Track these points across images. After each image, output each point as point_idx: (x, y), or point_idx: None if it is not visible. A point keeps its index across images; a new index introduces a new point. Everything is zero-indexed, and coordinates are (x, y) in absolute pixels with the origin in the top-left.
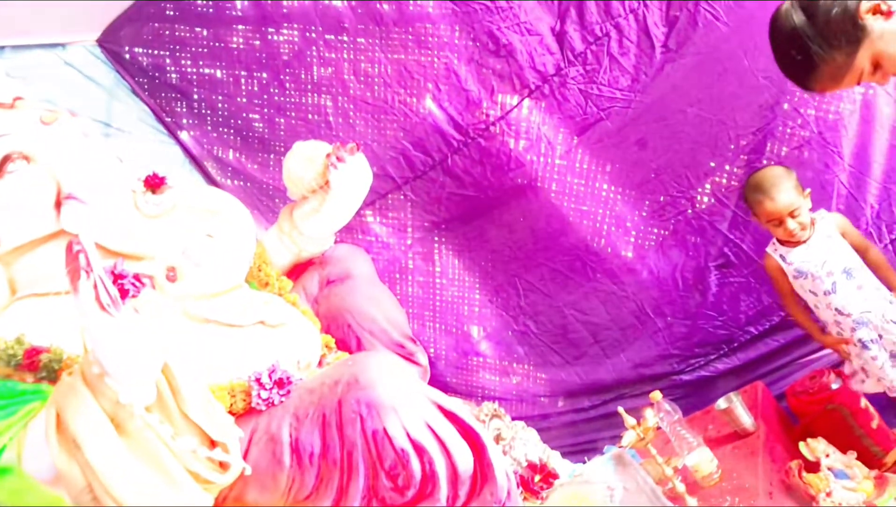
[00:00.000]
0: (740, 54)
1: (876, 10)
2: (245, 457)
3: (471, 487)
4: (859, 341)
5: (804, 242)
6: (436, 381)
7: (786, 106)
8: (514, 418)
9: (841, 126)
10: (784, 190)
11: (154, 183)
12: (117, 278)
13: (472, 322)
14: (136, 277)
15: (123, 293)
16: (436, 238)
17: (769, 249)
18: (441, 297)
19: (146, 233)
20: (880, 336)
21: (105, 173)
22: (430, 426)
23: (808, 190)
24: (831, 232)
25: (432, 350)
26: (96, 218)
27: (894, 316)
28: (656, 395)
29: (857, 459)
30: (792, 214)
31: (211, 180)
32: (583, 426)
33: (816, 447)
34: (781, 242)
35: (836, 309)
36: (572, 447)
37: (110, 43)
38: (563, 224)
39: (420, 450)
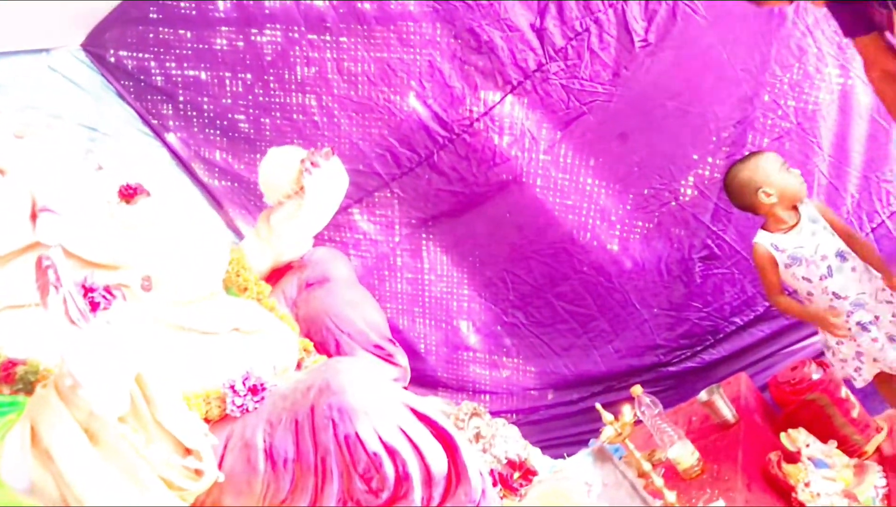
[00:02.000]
0: (719, 48)
1: None
2: (220, 463)
3: (445, 488)
4: (857, 323)
5: (793, 227)
6: (426, 376)
7: (766, 97)
8: (504, 412)
9: (820, 116)
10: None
11: (128, 194)
12: (87, 291)
13: (462, 317)
14: (108, 289)
15: (94, 306)
16: (423, 235)
17: (759, 239)
18: (430, 293)
19: (121, 243)
20: (877, 317)
21: (80, 184)
22: (402, 429)
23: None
24: (815, 216)
25: (422, 346)
26: (71, 229)
27: (888, 296)
28: (637, 389)
29: (838, 448)
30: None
31: (198, 181)
32: (572, 419)
33: (797, 438)
34: (772, 231)
35: (832, 293)
36: (561, 439)
37: (95, 47)
38: (549, 218)
39: (393, 453)
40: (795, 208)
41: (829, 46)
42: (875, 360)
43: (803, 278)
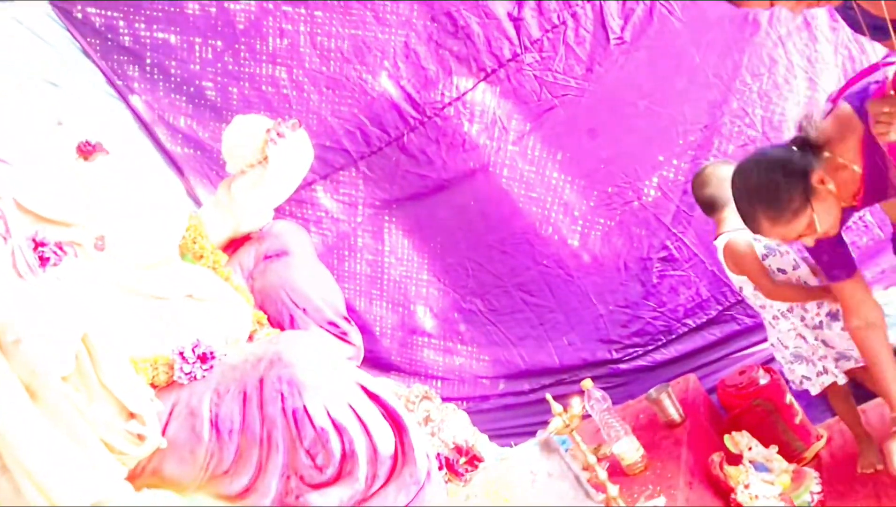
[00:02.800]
0: (692, 51)
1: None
2: (164, 430)
3: (390, 467)
4: (827, 314)
5: None
6: (380, 359)
7: (734, 104)
8: (455, 399)
9: (785, 127)
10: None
11: (86, 151)
12: (38, 245)
13: (419, 301)
14: (59, 245)
15: (43, 261)
16: (386, 217)
17: (732, 236)
18: (389, 275)
19: (77, 200)
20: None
21: (38, 138)
22: (351, 406)
23: None
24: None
25: (377, 328)
26: (24, 182)
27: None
28: (587, 383)
29: (779, 453)
30: None
31: (161, 146)
32: (521, 410)
33: (740, 441)
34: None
35: (804, 283)
36: (510, 429)
37: (63, 1)
38: (513, 209)
39: (340, 429)
40: None
41: (799, 59)
42: (838, 359)
43: (779, 269)
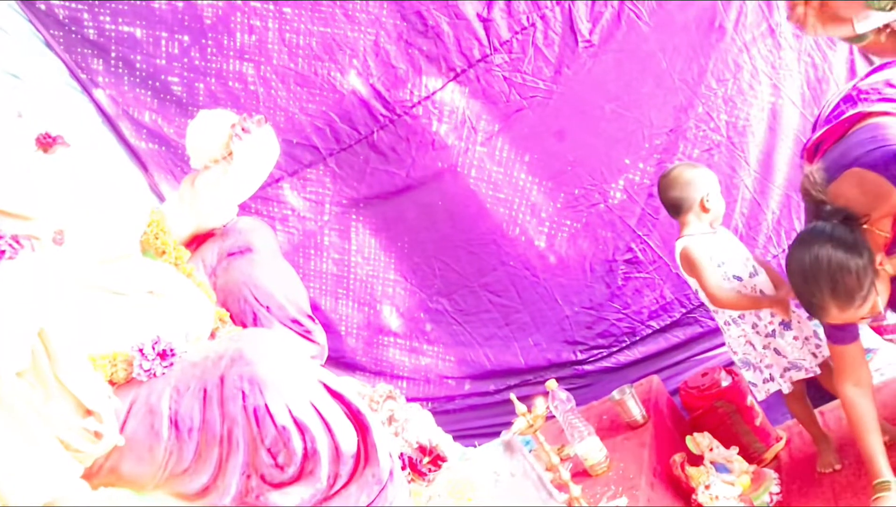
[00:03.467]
0: (659, 55)
1: None
2: (123, 428)
3: (353, 467)
4: (780, 323)
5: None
6: (345, 358)
7: (700, 109)
8: (420, 399)
9: (749, 132)
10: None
11: (46, 143)
12: None
13: (385, 301)
14: (15, 238)
15: None
16: (353, 216)
17: (689, 241)
18: (355, 275)
19: (35, 193)
20: (798, 321)
21: None
22: (314, 405)
23: None
24: (730, 235)
25: (343, 327)
26: None
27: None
28: (552, 383)
29: (740, 454)
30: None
31: (124, 141)
32: (486, 410)
33: (701, 442)
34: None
35: (760, 291)
36: (474, 429)
37: None
38: (480, 209)
39: (302, 428)
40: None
41: (763, 65)
42: (790, 368)
43: (734, 276)
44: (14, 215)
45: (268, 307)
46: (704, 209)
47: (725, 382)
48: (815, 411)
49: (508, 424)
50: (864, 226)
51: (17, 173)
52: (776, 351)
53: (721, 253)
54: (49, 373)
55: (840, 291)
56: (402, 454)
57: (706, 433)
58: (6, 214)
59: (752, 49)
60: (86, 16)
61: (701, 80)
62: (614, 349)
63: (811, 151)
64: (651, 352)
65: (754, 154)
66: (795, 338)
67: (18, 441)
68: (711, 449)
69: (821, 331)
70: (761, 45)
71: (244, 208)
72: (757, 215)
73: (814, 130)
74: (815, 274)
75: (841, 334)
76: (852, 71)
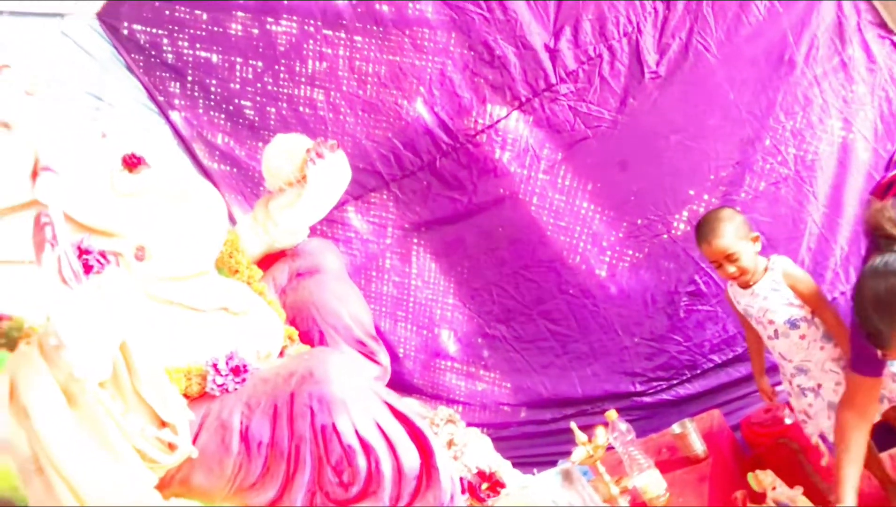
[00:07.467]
0: (726, 88)
1: None
2: (195, 441)
3: (415, 488)
4: (798, 387)
5: (750, 286)
6: (402, 380)
7: (767, 142)
8: (475, 425)
9: (818, 167)
10: (721, 234)
11: (132, 163)
12: (82, 253)
13: (444, 325)
14: (102, 253)
15: (87, 269)
16: (414, 239)
17: (727, 283)
18: (415, 298)
19: (119, 211)
20: (819, 385)
21: (84, 148)
22: (379, 426)
23: (756, 234)
24: (778, 284)
25: (401, 350)
26: (70, 191)
27: (834, 367)
28: (612, 414)
29: (804, 495)
30: (729, 258)
31: (198, 162)
32: (542, 439)
33: (764, 479)
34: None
35: (778, 353)
36: (529, 457)
37: (110, 17)
38: (541, 237)
39: (367, 448)
40: (766, 270)
41: (834, 99)
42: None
43: (758, 325)
44: (100, 232)
45: (334, 327)
46: (750, 251)
47: (789, 419)
48: (883, 454)
49: (563, 453)
50: None
51: (103, 192)
52: None
53: (744, 308)
54: (128, 385)
55: None
56: (461, 478)
57: (769, 471)
58: (93, 231)
59: (822, 83)
60: (165, 41)
61: (769, 113)
62: (674, 382)
63: (883, 188)
64: (712, 386)
65: (823, 189)
66: (810, 405)
67: (101, 452)
68: (774, 488)
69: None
70: (833, 79)
71: (311, 230)
72: (825, 251)
73: (888, 167)
74: (890, 303)
75: (869, 367)
76: None
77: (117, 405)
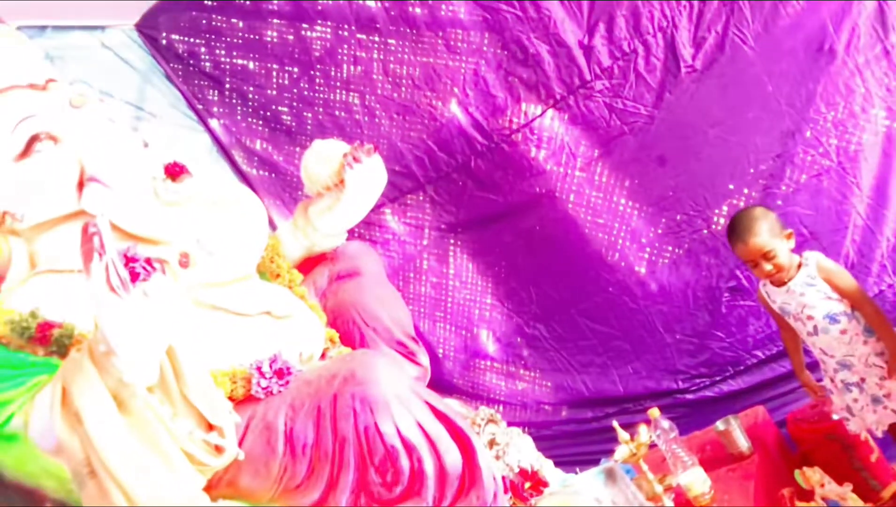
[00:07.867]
0: (765, 80)
1: None
2: (241, 443)
3: (458, 488)
4: (841, 382)
5: (785, 283)
6: (442, 381)
7: (808, 134)
8: (516, 424)
9: (862, 157)
10: (757, 233)
11: (174, 171)
12: (129, 261)
13: (483, 325)
14: (148, 261)
15: (134, 276)
16: (451, 240)
17: (760, 283)
18: (453, 298)
19: (163, 219)
20: (863, 379)
21: (128, 158)
22: (421, 426)
23: (790, 231)
24: (813, 278)
25: (441, 350)
26: (116, 201)
27: (877, 361)
28: (654, 412)
29: (854, 491)
30: (766, 257)
31: (237, 169)
32: (583, 437)
33: (812, 476)
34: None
35: (819, 348)
36: (571, 456)
37: (148, 28)
38: (579, 235)
39: (410, 448)
40: (799, 266)
41: (877, 87)
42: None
43: (796, 325)
44: (145, 240)
45: (374, 329)
46: (785, 249)
47: (836, 415)
48: None
49: (606, 451)
50: None
51: (148, 201)
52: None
53: (780, 306)
54: (175, 389)
55: None
56: (503, 477)
57: (817, 468)
58: (138, 239)
59: (864, 72)
60: (203, 50)
61: (809, 104)
62: (717, 379)
63: None
64: (756, 382)
65: (867, 180)
66: (855, 401)
67: (152, 455)
68: (823, 485)
69: None
70: (875, 68)
71: (349, 233)
72: (870, 243)
73: None
74: None
75: None
76: None
77: (166, 410)
